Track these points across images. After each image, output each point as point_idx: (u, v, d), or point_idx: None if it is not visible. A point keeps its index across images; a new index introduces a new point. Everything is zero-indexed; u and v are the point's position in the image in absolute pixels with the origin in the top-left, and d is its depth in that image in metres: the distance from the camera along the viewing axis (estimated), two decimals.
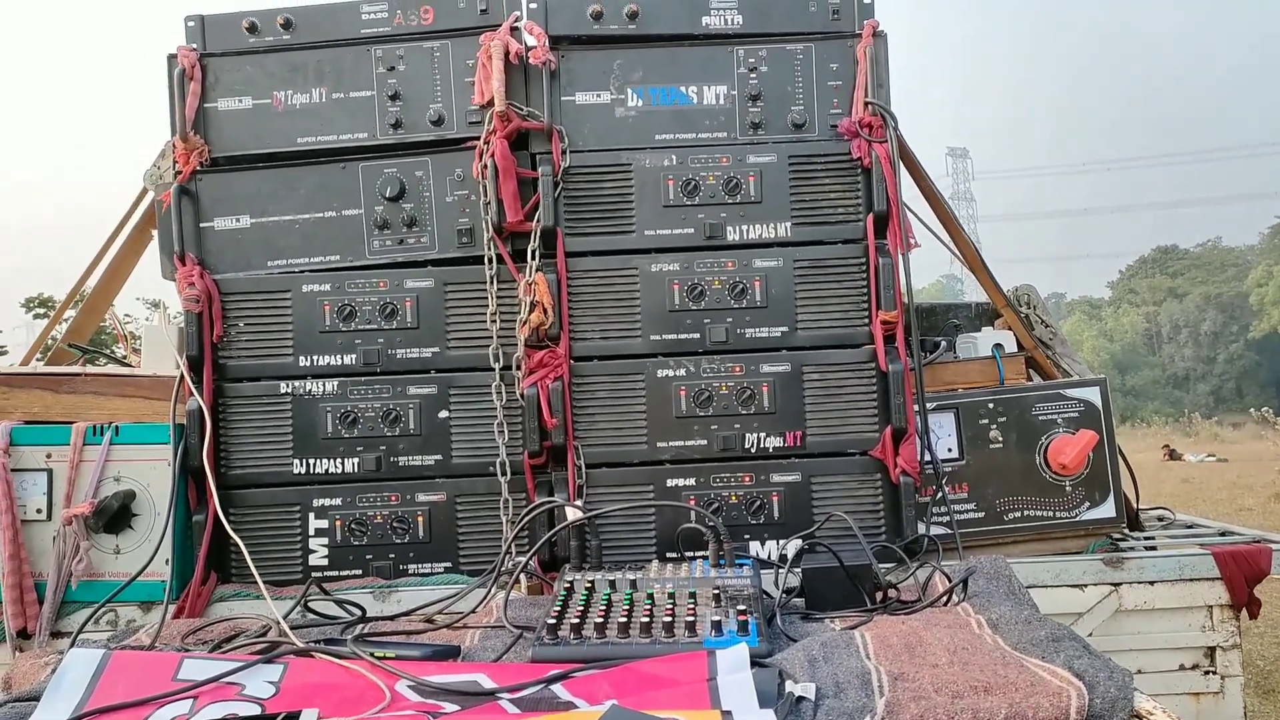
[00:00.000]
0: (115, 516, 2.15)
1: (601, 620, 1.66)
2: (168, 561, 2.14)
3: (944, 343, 2.51)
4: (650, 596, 1.79)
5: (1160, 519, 2.65)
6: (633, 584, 1.87)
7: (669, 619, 1.64)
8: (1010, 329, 2.53)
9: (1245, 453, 21.18)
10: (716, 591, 1.79)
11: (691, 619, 1.67)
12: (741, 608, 1.70)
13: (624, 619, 1.66)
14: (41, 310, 14.25)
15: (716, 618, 1.64)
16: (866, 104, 2.25)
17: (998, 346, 2.43)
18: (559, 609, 1.76)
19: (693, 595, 1.79)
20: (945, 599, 1.86)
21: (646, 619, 1.66)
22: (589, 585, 1.87)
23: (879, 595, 1.91)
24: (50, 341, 2.86)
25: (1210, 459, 20.72)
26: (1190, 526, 2.55)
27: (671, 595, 1.80)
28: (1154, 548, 2.34)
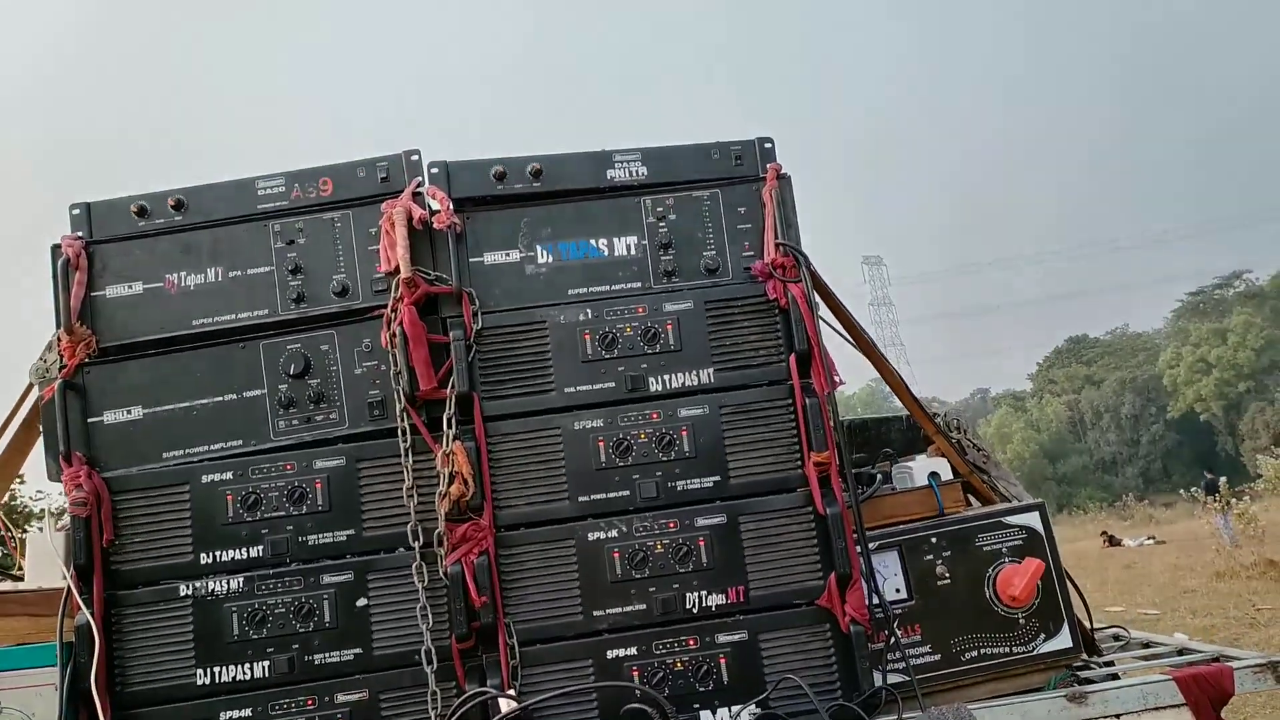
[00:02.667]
0: None
1: None
2: None
3: (879, 475, 2.46)
4: None
5: (1116, 638, 2.58)
6: None
7: None
8: (943, 455, 2.49)
9: (1181, 532, 21.58)
10: None
11: None
12: None
13: None
14: None
15: None
16: (778, 245, 2.25)
17: (934, 475, 2.39)
18: None
19: None
20: None
21: None
22: None
23: None
24: None
25: (1149, 542, 21.03)
26: (1147, 645, 2.48)
27: None
28: (1115, 675, 2.26)
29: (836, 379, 2.22)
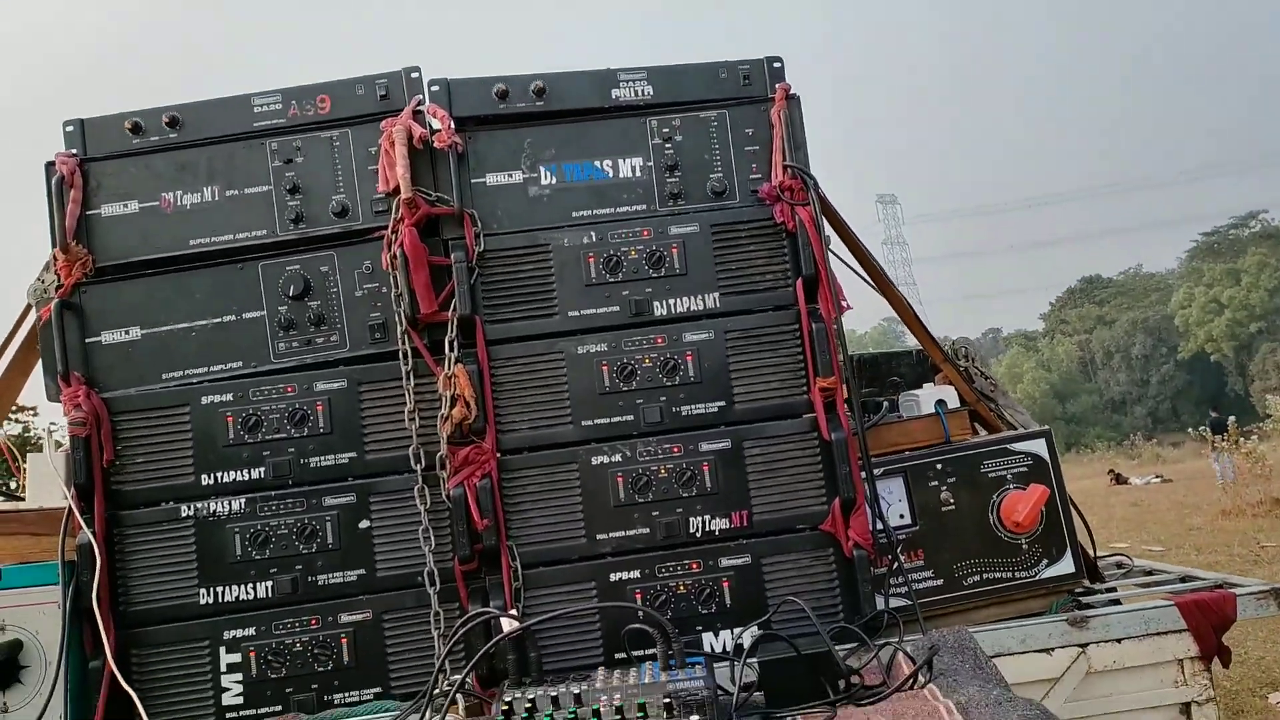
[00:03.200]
0: (1, 670, 1.93)
1: None
2: (62, 717, 1.92)
3: (885, 403, 2.43)
4: (596, 714, 1.64)
5: (1119, 565, 2.58)
6: (577, 699, 1.71)
7: None
8: (950, 383, 2.46)
9: (1188, 471, 21.64)
10: (668, 700, 1.64)
11: None
12: (695, 718, 1.56)
13: None
14: None
15: None
16: (785, 167, 2.19)
17: (940, 403, 2.36)
18: None
19: (642, 707, 1.64)
20: (911, 682, 1.74)
21: None
22: (529, 706, 1.71)
23: (841, 683, 1.79)
24: None
25: (1155, 480, 21.08)
26: (1149, 573, 2.48)
27: (619, 710, 1.64)
28: (1117, 601, 2.26)
29: (844, 304, 2.18)
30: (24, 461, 2.57)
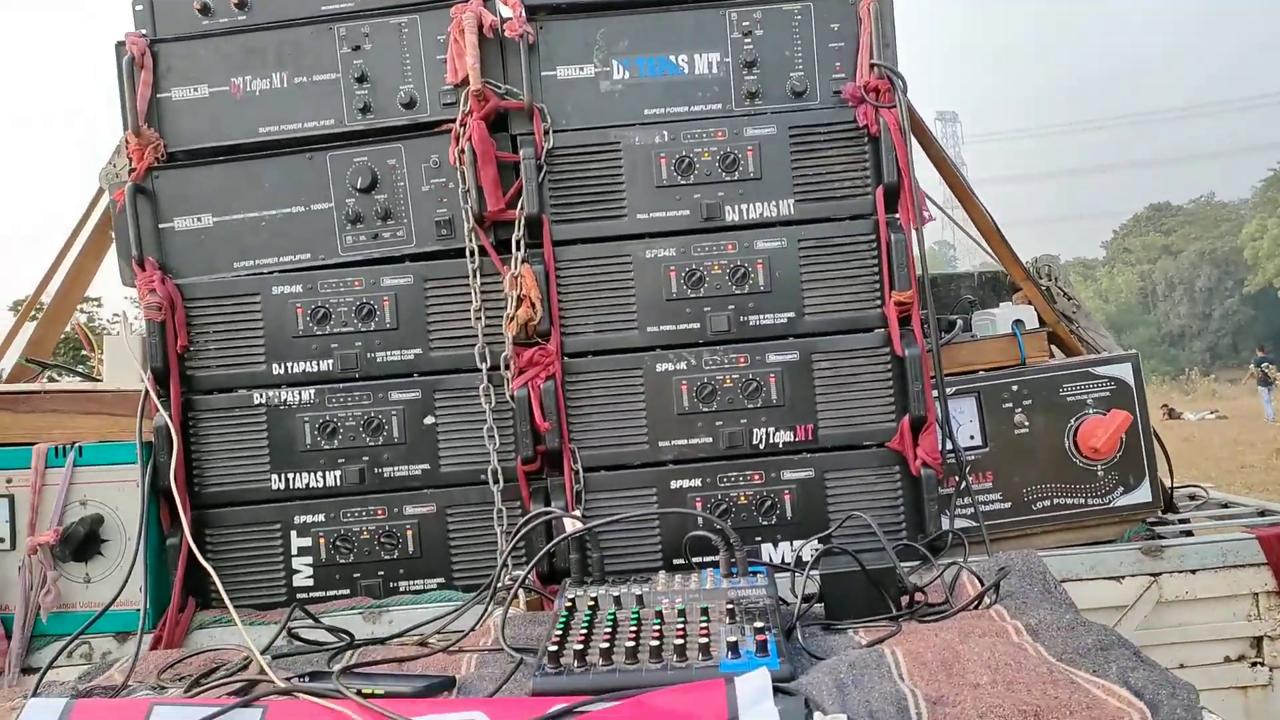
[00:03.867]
0: (83, 543, 2.00)
1: (607, 645, 1.52)
2: (141, 589, 1.99)
3: (959, 321, 2.36)
4: (659, 614, 1.65)
5: (1193, 498, 2.51)
6: (639, 600, 1.73)
7: (680, 640, 1.50)
8: (1030, 303, 2.38)
9: (1244, 409, 21.17)
10: (730, 605, 1.65)
11: (705, 639, 1.52)
12: (759, 625, 1.56)
13: (631, 642, 1.51)
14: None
15: (732, 637, 1.50)
16: (872, 66, 2.08)
17: (1018, 323, 2.27)
18: (560, 632, 1.61)
19: (704, 611, 1.65)
20: (977, 602, 1.72)
21: (656, 642, 1.52)
22: (591, 603, 1.73)
23: (905, 600, 1.78)
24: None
25: (1210, 416, 20.66)
26: (1225, 505, 2.41)
27: (681, 612, 1.65)
28: (1190, 532, 2.21)
29: (926, 214, 2.09)
30: (98, 346, 2.62)
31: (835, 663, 1.45)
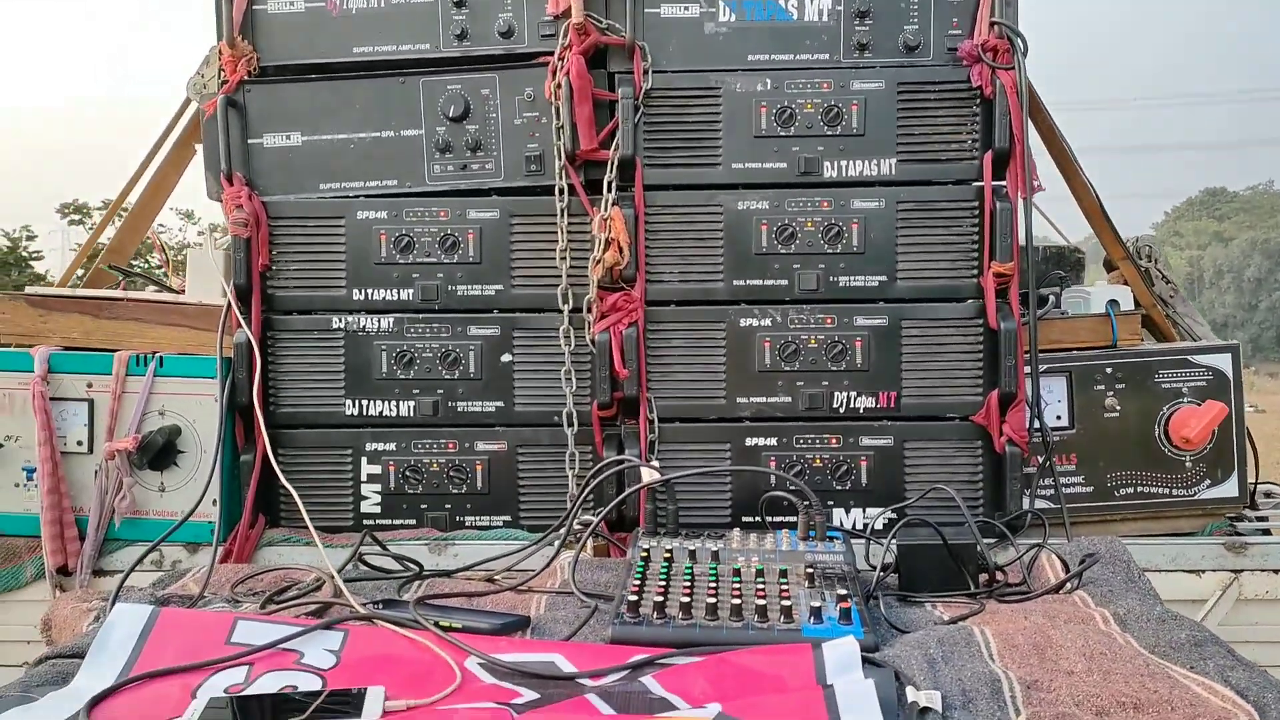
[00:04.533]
0: (160, 453, 2.02)
1: (686, 599, 1.50)
2: (215, 503, 2.01)
3: (1051, 297, 2.28)
4: (736, 573, 1.64)
5: (1269, 495, 2.44)
6: (714, 556, 1.71)
7: (761, 601, 1.48)
8: (1126, 283, 2.29)
9: None
10: (810, 570, 1.63)
11: (787, 602, 1.50)
12: (841, 592, 1.54)
13: (711, 598, 1.50)
14: (77, 217, 14.17)
15: (815, 603, 1.48)
16: (993, 24, 1.99)
17: (1113, 303, 2.20)
18: (638, 582, 1.61)
19: (783, 573, 1.62)
20: (1060, 586, 1.69)
21: (736, 600, 1.51)
22: (667, 556, 1.71)
23: (983, 578, 1.74)
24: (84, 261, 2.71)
25: (1249, 410, 20.23)
26: None
27: (759, 572, 1.64)
28: (1268, 531, 2.15)
29: (1036, 184, 2.01)
30: (172, 259, 2.63)
31: (923, 637, 1.43)
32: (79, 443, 2.06)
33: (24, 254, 13.61)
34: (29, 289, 2.21)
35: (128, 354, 2.06)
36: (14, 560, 2.05)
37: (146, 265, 2.56)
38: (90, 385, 2.06)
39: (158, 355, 2.06)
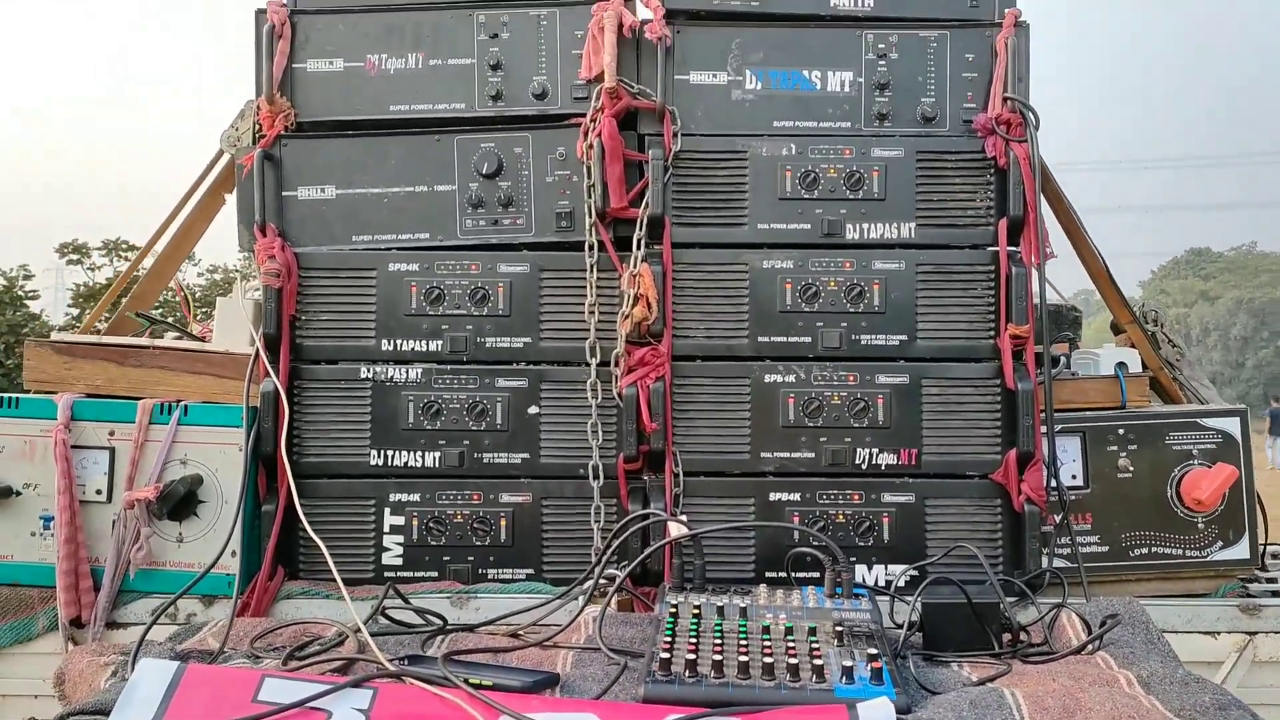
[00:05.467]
0: (180, 503, 2.01)
1: (718, 657, 1.51)
2: (234, 554, 2.00)
3: (1060, 358, 2.34)
4: (765, 630, 1.65)
5: (1276, 556, 2.48)
6: (743, 612, 1.72)
7: (792, 660, 1.49)
8: (1133, 346, 2.36)
9: (1267, 460, 20.87)
10: (839, 628, 1.64)
11: (819, 661, 1.52)
12: (871, 651, 1.55)
13: (743, 657, 1.51)
14: (75, 257, 14.13)
15: (846, 662, 1.49)
16: (1006, 99, 2.07)
17: (1121, 365, 2.26)
18: (669, 639, 1.61)
19: (812, 631, 1.64)
20: (1084, 647, 1.71)
21: (768, 659, 1.52)
22: (696, 612, 1.72)
23: (1007, 637, 1.76)
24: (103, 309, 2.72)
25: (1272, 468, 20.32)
26: None
27: (789, 630, 1.65)
28: (1278, 593, 2.18)
29: (1049, 251, 2.08)
30: (192, 301, 2.64)
31: (955, 699, 1.44)
32: (98, 491, 2.04)
33: (20, 293, 13.52)
34: (54, 335, 2.22)
35: (152, 402, 2.06)
36: (27, 611, 2.01)
37: (178, 322, 2.56)
38: (112, 433, 2.05)
39: (182, 404, 2.07)
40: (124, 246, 15.35)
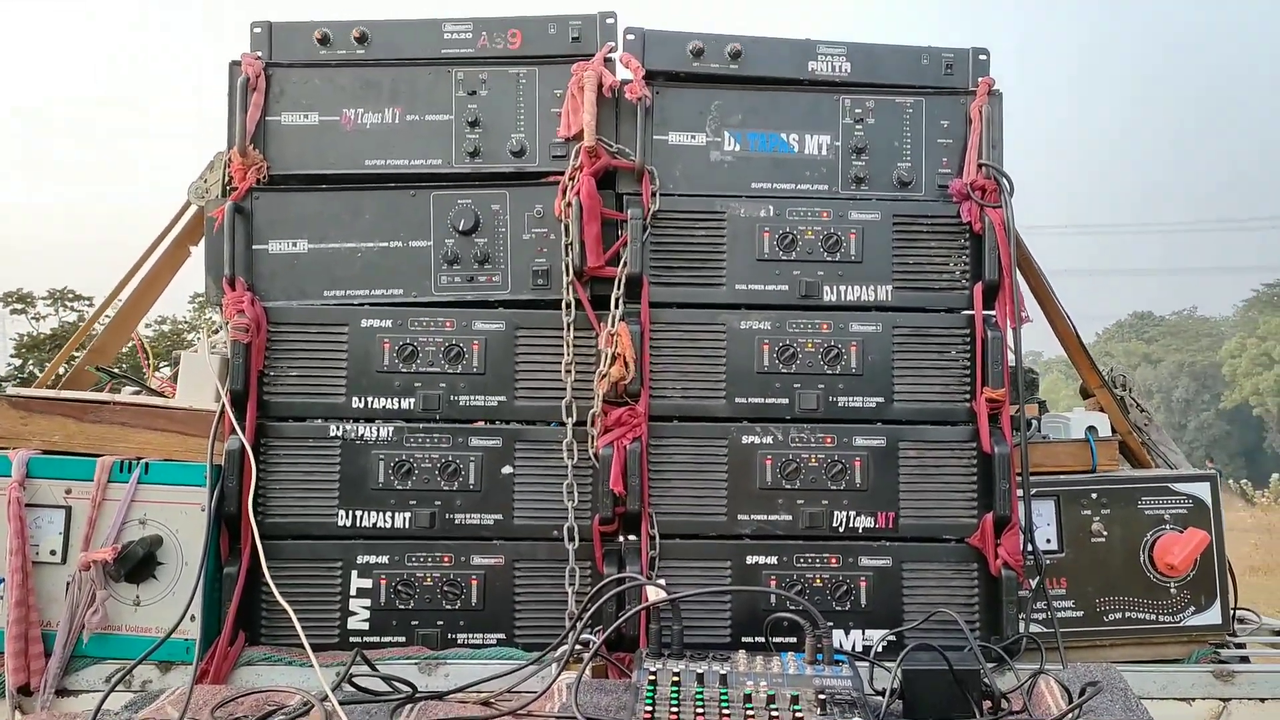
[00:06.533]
0: (139, 564, 1.94)
1: None
2: (194, 618, 1.93)
3: (1032, 421, 2.36)
4: (748, 698, 1.62)
5: (1241, 620, 2.50)
6: (723, 680, 1.69)
7: None
8: (1102, 410, 2.38)
9: None
10: (821, 696, 1.62)
11: None
12: (856, 719, 1.53)
13: None
14: (20, 306, 13.80)
15: None
16: (980, 166, 2.11)
17: (1091, 429, 2.28)
18: (649, 708, 1.57)
19: (795, 699, 1.61)
20: (1066, 716, 1.70)
21: None
22: (675, 679, 1.68)
23: (987, 705, 1.74)
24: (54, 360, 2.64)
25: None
26: (1278, 633, 2.40)
27: (771, 698, 1.62)
28: (1247, 658, 2.19)
29: (1024, 315, 2.11)
30: (152, 358, 2.57)
31: None
32: (52, 552, 1.96)
33: None
34: (10, 390, 2.14)
35: (111, 459, 1.99)
36: None
37: (139, 378, 2.48)
38: (69, 491, 1.98)
39: (143, 461, 2.00)
40: (70, 296, 15.06)
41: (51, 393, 2.11)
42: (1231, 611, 2.25)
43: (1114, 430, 2.36)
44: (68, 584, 1.94)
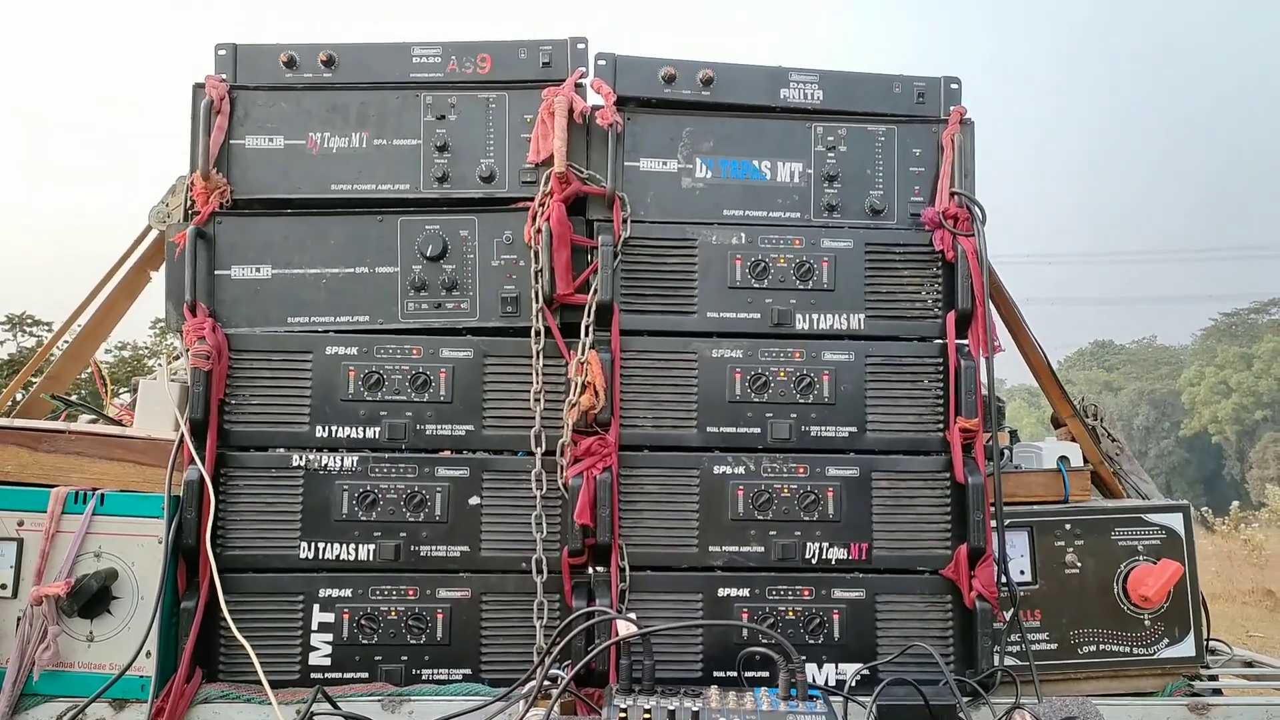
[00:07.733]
0: (93, 599, 1.87)
1: None
2: (149, 655, 1.86)
3: (1005, 451, 2.36)
4: None
5: (1213, 651, 2.49)
6: (695, 717, 1.64)
7: None
8: (1074, 440, 2.38)
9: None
10: None
11: None
12: None
13: None
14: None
15: None
16: (953, 194, 2.11)
17: (1063, 459, 2.28)
18: None
19: None
20: None
21: None
22: (646, 716, 1.64)
23: None
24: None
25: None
26: (1249, 664, 2.39)
27: None
28: (1219, 690, 2.18)
29: (997, 344, 2.10)
30: (109, 384, 2.50)
31: None
32: (3, 586, 1.89)
33: None
34: None
35: (65, 490, 1.93)
36: None
37: (96, 407, 2.41)
38: (21, 523, 1.91)
39: (98, 492, 1.93)
40: (29, 321, 14.79)
41: (5, 421, 2.04)
42: (1205, 643, 2.25)
43: (1086, 460, 2.35)
44: (18, 619, 1.87)
